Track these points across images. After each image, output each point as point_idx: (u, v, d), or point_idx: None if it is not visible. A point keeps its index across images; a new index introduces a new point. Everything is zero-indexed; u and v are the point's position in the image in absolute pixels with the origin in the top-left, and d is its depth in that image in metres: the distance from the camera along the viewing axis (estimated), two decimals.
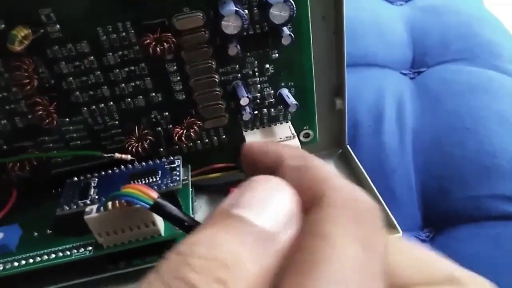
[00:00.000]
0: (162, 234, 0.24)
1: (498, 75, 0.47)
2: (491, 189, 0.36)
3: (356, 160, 0.32)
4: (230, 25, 0.23)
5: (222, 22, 0.22)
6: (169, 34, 0.23)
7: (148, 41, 0.23)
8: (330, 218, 0.14)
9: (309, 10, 0.25)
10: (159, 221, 0.24)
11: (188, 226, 0.21)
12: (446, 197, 0.37)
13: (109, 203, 0.22)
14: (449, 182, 0.37)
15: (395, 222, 0.26)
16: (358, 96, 0.45)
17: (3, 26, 0.22)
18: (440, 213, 0.37)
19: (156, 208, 0.21)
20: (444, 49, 0.53)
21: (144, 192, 0.21)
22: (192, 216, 0.26)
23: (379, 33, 0.54)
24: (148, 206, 0.21)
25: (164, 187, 0.24)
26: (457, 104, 0.44)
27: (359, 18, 0.54)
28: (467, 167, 0.37)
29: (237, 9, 0.22)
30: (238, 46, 0.24)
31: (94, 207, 0.23)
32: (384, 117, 0.43)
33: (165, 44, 0.23)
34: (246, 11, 0.24)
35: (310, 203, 0.14)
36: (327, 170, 0.16)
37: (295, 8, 0.23)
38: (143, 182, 0.25)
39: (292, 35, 0.24)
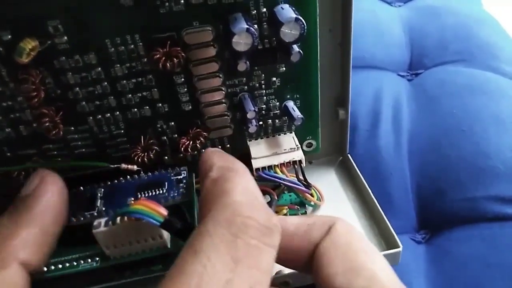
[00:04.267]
0: (169, 246, 0.25)
1: (495, 77, 0.48)
2: (486, 191, 0.37)
3: (356, 168, 0.32)
4: (241, 43, 0.23)
5: (233, 40, 0.23)
6: (178, 48, 0.24)
7: (158, 55, 0.23)
8: (206, 234, 0.17)
9: (318, 26, 0.25)
10: (166, 234, 0.24)
11: None
12: (442, 199, 0.38)
13: (118, 218, 0.23)
14: (445, 183, 0.38)
15: (396, 236, 0.27)
16: (356, 99, 0.46)
17: (9, 37, 0.22)
18: (436, 214, 0.38)
19: (166, 225, 0.22)
20: (442, 51, 0.54)
21: (155, 209, 0.21)
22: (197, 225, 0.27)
23: (377, 34, 0.55)
24: (158, 223, 0.21)
25: (171, 200, 0.25)
26: (454, 105, 0.45)
27: (357, 19, 0.54)
28: (463, 168, 0.39)
29: (248, 26, 0.23)
30: (247, 62, 0.24)
31: (102, 220, 0.23)
32: (381, 120, 0.44)
33: (174, 59, 0.23)
34: (256, 26, 0.24)
35: (205, 214, 0.19)
36: (235, 182, 0.20)
37: (305, 27, 0.23)
38: (150, 194, 0.25)
39: (301, 52, 0.24)
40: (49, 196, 0.22)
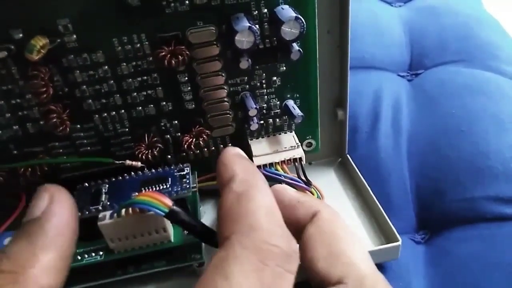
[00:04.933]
0: (172, 240, 0.26)
1: (494, 76, 0.50)
2: (485, 191, 0.38)
3: (356, 169, 0.34)
4: (244, 41, 0.25)
5: (236, 38, 0.25)
6: (183, 47, 0.26)
7: (163, 53, 0.25)
8: (235, 259, 0.18)
9: (316, 26, 0.28)
10: (170, 228, 0.26)
11: (200, 232, 0.24)
12: (441, 199, 0.39)
13: (123, 210, 0.25)
14: (444, 184, 0.40)
15: (395, 231, 0.29)
16: (356, 100, 0.48)
17: (21, 35, 0.24)
18: (435, 215, 0.39)
19: (171, 215, 0.23)
20: (442, 51, 0.55)
21: (159, 199, 0.23)
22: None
23: (377, 35, 0.57)
24: (163, 213, 0.23)
25: (174, 194, 0.27)
26: (453, 106, 0.46)
27: (357, 19, 0.56)
28: (462, 169, 0.40)
29: (250, 25, 0.25)
30: (249, 60, 0.26)
31: (108, 213, 0.25)
32: (380, 121, 0.46)
33: (179, 56, 0.26)
34: (257, 26, 0.26)
35: (228, 233, 0.19)
36: (259, 203, 0.20)
37: (305, 26, 0.25)
38: (154, 189, 0.27)
39: (301, 50, 0.26)
40: (63, 217, 0.22)
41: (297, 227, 0.22)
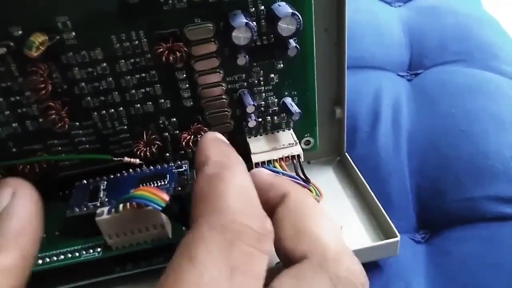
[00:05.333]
0: (170, 237, 0.27)
1: (494, 76, 0.50)
2: (485, 191, 0.38)
3: (354, 167, 0.35)
4: (241, 37, 0.26)
5: (233, 34, 0.25)
6: (181, 44, 0.26)
7: (161, 50, 0.26)
8: (200, 240, 0.17)
9: (313, 23, 0.28)
10: (168, 224, 0.27)
11: None
12: (441, 199, 0.39)
13: (121, 205, 0.25)
14: (444, 184, 0.40)
15: (393, 227, 0.29)
16: (356, 100, 0.48)
17: (20, 32, 0.25)
18: (435, 214, 0.39)
19: (168, 209, 0.24)
20: (441, 51, 0.56)
21: (157, 194, 0.24)
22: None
23: (377, 34, 0.58)
24: (160, 208, 0.24)
25: (172, 191, 0.27)
26: (453, 105, 0.47)
27: (357, 19, 0.57)
28: (462, 169, 0.40)
29: (247, 21, 0.25)
30: (247, 56, 0.27)
31: (105, 209, 0.25)
32: (380, 121, 0.46)
33: (177, 53, 0.26)
34: (255, 23, 0.27)
35: (197, 216, 0.19)
36: (230, 183, 0.20)
37: (301, 22, 0.26)
38: (152, 185, 0.27)
39: (298, 47, 0.27)
40: (26, 214, 0.21)
41: (270, 209, 0.22)
